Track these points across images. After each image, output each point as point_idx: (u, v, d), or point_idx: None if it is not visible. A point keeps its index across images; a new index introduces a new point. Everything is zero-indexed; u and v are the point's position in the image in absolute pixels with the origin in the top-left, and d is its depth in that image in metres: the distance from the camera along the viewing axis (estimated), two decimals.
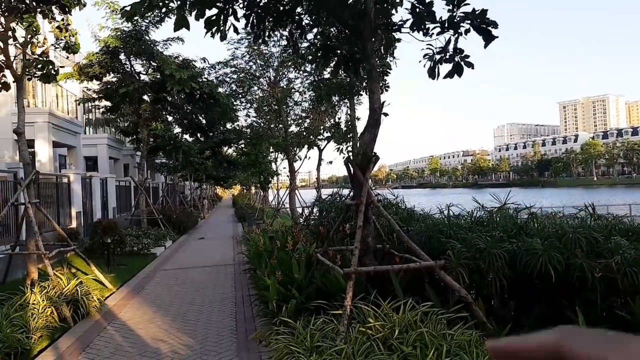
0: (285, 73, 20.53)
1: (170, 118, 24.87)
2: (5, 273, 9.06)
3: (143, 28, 16.24)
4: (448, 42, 5.89)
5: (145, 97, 19.54)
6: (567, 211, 8.41)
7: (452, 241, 5.93)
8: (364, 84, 13.97)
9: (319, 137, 19.28)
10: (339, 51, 6.56)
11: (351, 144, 16.09)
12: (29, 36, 8.05)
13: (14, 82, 8.37)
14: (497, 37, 5.53)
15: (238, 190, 79.41)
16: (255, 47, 18.77)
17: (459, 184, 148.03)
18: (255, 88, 21.58)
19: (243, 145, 26.20)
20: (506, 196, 7.04)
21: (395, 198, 9.09)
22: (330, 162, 21.96)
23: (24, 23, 7.76)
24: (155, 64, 17.49)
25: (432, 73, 6.09)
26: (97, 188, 16.02)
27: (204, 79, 18.62)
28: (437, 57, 6.06)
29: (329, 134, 18.41)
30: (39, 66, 8.15)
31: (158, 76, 17.96)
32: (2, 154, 15.69)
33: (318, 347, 4.75)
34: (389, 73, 11.36)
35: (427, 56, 6.09)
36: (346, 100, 17.11)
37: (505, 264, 5.27)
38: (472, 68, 5.81)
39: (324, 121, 19.25)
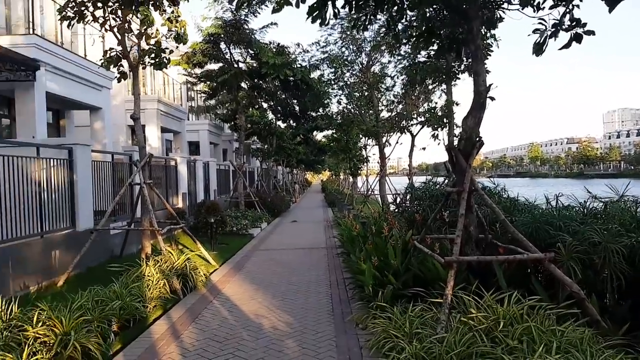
0: (378, 57, 20.28)
1: (265, 105, 25.71)
2: (122, 246, 9.97)
3: (242, 17, 16.86)
4: (564, 14, 5.45)
5: (243, 85, 20.36)
6: None
7: (562, 234, 5.56)
8: (462, 66, 13.43)
9: (411, 122, 18.88)
10: (440, 32, 6.33)
11: (447, 129, 15.58)
12: (144, 28, 8.68)
13: (129, 71, 9.10)
14: None
15: (327, 176, 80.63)
16: (348, 33, 18.72)
17: (562, 174, 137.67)
18: (348, 74, 21.58)
19: (333, 131, 26.41)
20: (624, 187, 6.42)
21: (496, 186, 8.68)
22: (424, 149, 21.33)
23: (139, 15, 8.36)
24: (253, 52, 18.12)
25: (540, 49, 5.67)
26: (200, 171, 17.05)
27: (297, 65, 18.98)
28: (549, 32, 5.64)
29: (422, 119, 17.95)
30: (152, 55, 8.77)
31: (255, 64, 18.61)
32: (117, 138, 17.18)
33: (417, 334, 4.70)
34: (490, 54, 10.78)
35: (538, 31, 5.69)
36: (441, 84, 16.55)
37: (623, 259, 4.85)
38: (594, 35, 5.32)
39: (417, 106, 18.80)
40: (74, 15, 8.42)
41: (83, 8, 8.38)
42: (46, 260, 7.59)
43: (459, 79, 13.82)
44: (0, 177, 6.76)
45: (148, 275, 7.04)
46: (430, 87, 18.24)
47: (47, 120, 12.32)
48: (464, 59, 10.01)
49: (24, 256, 7.03)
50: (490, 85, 5.58)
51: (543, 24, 5.57)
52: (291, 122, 34.10)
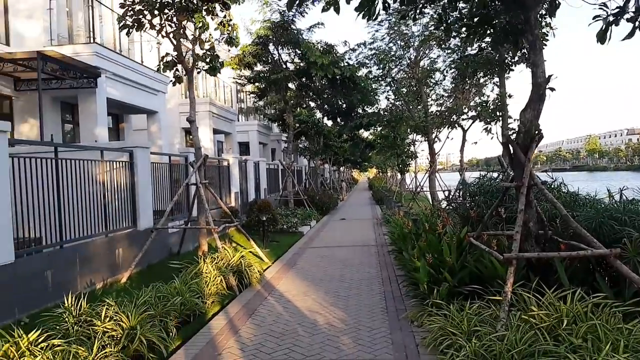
0: (427, 52, 19.96)
1: (312, 104, 25.89)
2: (180, 244, 10.34)
3: (290, 18, 17.06)
4: (627, 0, 5.19)
5: (291, 85, 20.60)
6: None
7: (628, 229, 5.31)
8: (516, 58, 13.00)
9: (462, 117, 18.46)
10: (495, 22, 6.16)
11: (501, 123, 15.11)
12: (198, 33, 8.95)
13: (184, 75, 9.41)
14: None
15: (374, 174, 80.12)
16: (396, 28, 18.54)
17: (622, 167, 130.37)
18: (395, 70, 21.37)
19: (381, 128, 26.23)
20: None
21: (554, 181, 8.36)
22: (475, 143, 20.83)
23: (194, 21, 8.62)
24: (300, 52, 18.29)
25: (603, 37, 5.41)
26: (251, 171, 17.40)
27: (344, 64, 18.99)
28: (610, 18, 5.38)
29: (474, 113, 17.51)
30: (207, 60, 9.04)
31: (302, 63, 18.77)
32: (172, 140, 17.81)
33: (475, 331, 4.62)
34: (546, 44, 10.38)
35: (599, 17, 5.44)
36: (494, 77, 16.09)
37: None
38: None
39: (468, 100, 18.35)
40: (132, 24, 8.80)
41: (141, 16, 8.74)
42: (110, 258, 7.99)
43: (512, 70, 13.40)
44: (68, 180, 7.17)
45: (206, 272, 7.26)
46: (481, 80, 17.75)
47: (108, 125, 12.95)
48: (518, 50, 9.70)
49: (90, 254, 7.43)
50: (550, 76, 5.39)
51: (604, 10, 5.33)
52: (338, 120, 34.16)
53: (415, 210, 14.73)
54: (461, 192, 10.79)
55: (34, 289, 6.08)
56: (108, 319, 4.90)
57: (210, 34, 9.22)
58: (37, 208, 6.41)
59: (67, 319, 4.85)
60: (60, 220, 6.91)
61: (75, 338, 4.55)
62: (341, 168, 47.69)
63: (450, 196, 11.95)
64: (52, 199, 6.78)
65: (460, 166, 18.71)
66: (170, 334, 5.32)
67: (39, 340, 4.03)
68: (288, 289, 7.69)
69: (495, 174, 10.50)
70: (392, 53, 20.02)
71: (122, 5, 8.70)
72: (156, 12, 8.63)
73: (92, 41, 11.59)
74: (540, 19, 7.00)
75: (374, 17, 6.04)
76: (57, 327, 4.73)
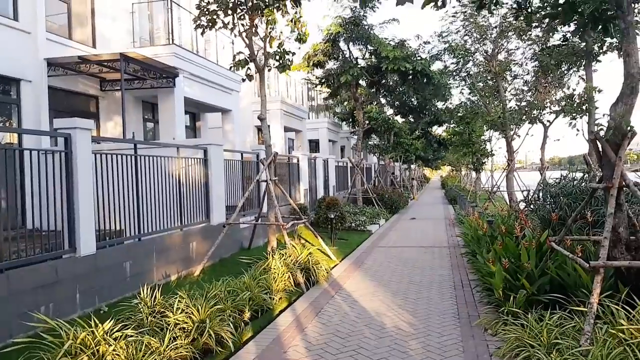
0: (504, 44, 18.96)
1: (383, 101, 25.55)
2: (251, 239, 10.56)
3: (361, 13, 16.89)
4: None
5: (362, 82, 20.42)
6: None
7: None
8: (604, 48, 12.01)
9: (543, 112, 17.34)
10: (581, 8, 5.66)
11: (587, 118, 14.02)
12: (268, 31, 9.06)
13: (255, 73, 9.57)
14: None
15: (447, 172, 77.77)
16: (472, 20, 17.76)
17: None
18: (470, 64, 20.52)
19: (454, 125, 25.34)
20: None
21: None
22: (558, 140, 19.45)
23: (264, 19, 8.73)
24: (372, 48, 18.07)
25: None
26: (320, 168, 17.46)
27: (417, 58, 18.51)
28: None
29: (557, 108, 16.37)
30: (277, 57, 9.13)
31: (373, 59, 18.54)
32: (245, 138, 18.26)
33: (556, 344, 4.28)
34: None
35: None
36: (579, 69, 14.96)
37: None
38: None
39: (550, 94, 17.20)
40: (206, 23, 9.07)
41: (215, 16, 9.00)
42: (185, 251, 8.30)
43: (599, 62, 12.37)
44: (146, 175, 7.51)
45: (274, 268, 7.33)
46: (565, 72, 16.57)
47: (185, 123, 13.50)
48: (607, 40, 8.93)
49: (166, 247, 7.75)
50: None
51: None
52: (410, 117, 33.51)
53: (491, 210, 14.06)
54: (541, 193, 10.10)
55: (114, 279, 6.43)
56: (180, 311, 5.04)
57: (281, 31, 9.31)
58: (119, 201, 6.77)
59: (142, 310, 5.06)
60: (138, 214, 7.26)
61: (149, 329, 4.73)
62: (412, 166, 46.77)
63: (530, 197, 11.23)
64: (131, 193, 7.15)
65: (541, 165, 17.61)
66: (239, 328, 5.40)
67: (114, 330, 4.22)
68: (355, 288, 7.59)
69: (578, 174, 9.75)
70: (467, 47, 19.24)
71: (198, 7, 9.02)
72: (229, 11, 8.84)
73: (170, 42, 12.10)
74: (634, 3, 6.34)
75: (443, 5, 5.74)
76: (132, 317, 4.96)
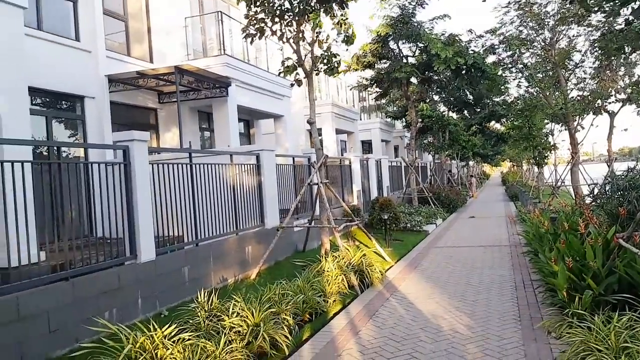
0: (564, 31, 18.03)
1: (436, 97, 25.02)
2: (305, 242, 10.64)
3: (410, 11, 16.64)
4: None
5: (413, 80, 20.09)
6: None
7: None
8: None
9: (609, 100, 16.32)
10: None
11: None
12: (315, 35, 9.10)
13: (304, 77, 9.64)
14: None
15: (507, 167, 74.89)
16: (527, 9, 17.04)
17: None
18: (527, 54, 19.68)
19: (513, 118, 24.39)
20: None
21: None
22: (625, 130, 18.30)
23: (311, 22, 8.77)
24: (422, 45, 17.74)
25: None
26: (373, 168, 17.34)
27: (470, 52, 17.97)
28: None
29: (623, 96, 15.37)
30: (325, 60, 9.15)
31: (424, 57, 18.19)
32: (297, 142, 18.45)
33: (625, 348, 4.00)
34: None
35: None
36: None
37: None
38: None
39: (616, 81, 16.17)
40: (255, 32, 9.25)
41: (263, 24, 9.15)
42: (240, 255, 8.48)
43: None
44: (202, 182, 7.75)
45: (327, 271, 7.34)
46: (630, 58, 15.53)
47: (239, 130, 13.82)
48: None
49: (222, 252, 7.95)
50: None
51: None
52: (465, 112, 32.60)
53: (555, 207, 13.39)
54: (609, 186, 9.49)
55: (173, 283, 6.68)
56: (235, 314, 5.15)
57: (327, 35, 9.33)
58: (176, 208, 7.03)
59: (199, 314, 5.21)
60: (195, 220, 7.50)
61: (205, 332, 4.86)
62: (470, 163, 45.43)
63: (596, 191, 10.59)
64: (188, 200, 7.40)
65: (609, 156, 16.60)
66: (293, 332, 5.43)
67: (172, 334, 4.37)
68: (411, 290, 7.45)
69: None
70: (524, 37, 18.46)
71: (246, 16, 9.21)
72: (277, 19, 8.96)
73: (222, 53, 12.44)
74: None
75: None
76: (190, 321, 5.11)
